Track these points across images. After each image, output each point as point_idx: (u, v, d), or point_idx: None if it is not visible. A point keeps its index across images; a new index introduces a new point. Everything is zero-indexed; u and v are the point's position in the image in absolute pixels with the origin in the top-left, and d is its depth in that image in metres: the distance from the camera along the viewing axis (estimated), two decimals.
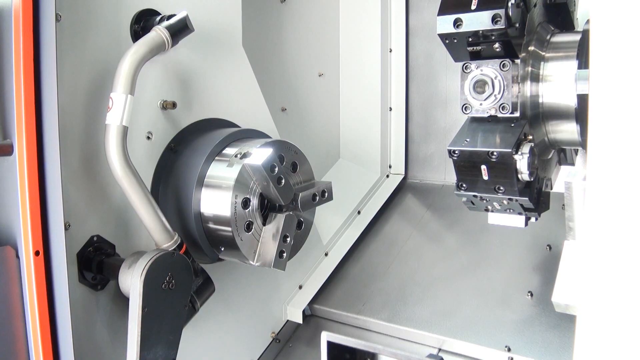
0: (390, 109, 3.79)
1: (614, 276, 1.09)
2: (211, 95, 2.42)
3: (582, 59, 1.82)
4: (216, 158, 2.18)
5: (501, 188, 1.87)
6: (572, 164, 2.38)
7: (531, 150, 1.79)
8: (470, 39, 1.82)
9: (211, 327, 2.46)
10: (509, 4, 1.70)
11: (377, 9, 3.61)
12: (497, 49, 1.80)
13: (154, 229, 1.93)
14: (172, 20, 2.04)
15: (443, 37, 1.85)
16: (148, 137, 2.14)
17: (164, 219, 1.95)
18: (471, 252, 3.03)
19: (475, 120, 1.95)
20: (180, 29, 2.06)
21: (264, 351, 2.80)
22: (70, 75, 1.87)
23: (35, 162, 1.67)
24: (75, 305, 1.84)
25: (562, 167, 2.41)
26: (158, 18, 2.08)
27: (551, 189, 2.19)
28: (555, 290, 1.68)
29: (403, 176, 3.83)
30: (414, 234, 3.33)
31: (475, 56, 1.87)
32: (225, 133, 2.27)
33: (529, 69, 1.89)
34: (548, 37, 1.98)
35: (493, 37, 1.79)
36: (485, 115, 1.88)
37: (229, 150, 2.20)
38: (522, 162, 1.78)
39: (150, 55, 1.97)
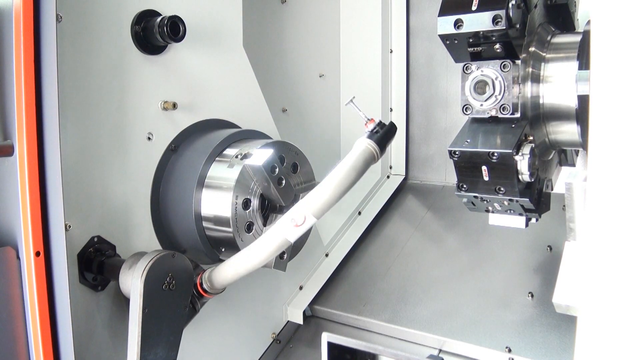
0: (391, 109, 3.79)
1: (615, 277, 1.09)
2: (212, 95, 2.42)
3: (583, 60, 1.81)
4: (217, 159, 2.18)
5: (502, 189, 1.87)
6: (573, 164, 2.38)
7: (532, 151, 1.79)
8: (470, 40, 1.82)
9: (212, 328, 2.46)
10: (510, 5, 1.70)
11: (377, 9, 3.61)
12: (498, 50, 1.80)
13: (222, 284, 1.95)
14: (380, 133, 1.86)
15: (444, 38, 1.85)
16: (149, 138, 2.15)
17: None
18: (472, 252, 3.03)
19: (475, 121, 1.95)
20: (388, 140, 1.88)
21: (265, 352, 2.80)
22: (71, 76, 1.87)
23: (35, 163, 1.67)
24: (76, 306, 1.84)
25: (563, 168, 2.41)
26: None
27: (552, 189, 2.18)
28: (556, 291, 1.67)
29: (404, 177, 3.83)
30: (415, 235, 3.33)
31: (476, 57, 1.87)
32: (226, 134, 2.27)
33: (530, 69, 1.89)
34: (549, 38, 1.98)
35: (494, 38, 1.78)
36: (486, 116, 1.88)
37: (230, 151, 2.20)
38: (522, 163, 1.78)
39: (361, 176, 1.78)
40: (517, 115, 1.84)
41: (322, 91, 3.65)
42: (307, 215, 1.71)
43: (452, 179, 3.54)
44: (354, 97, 1.89)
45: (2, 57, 1.70)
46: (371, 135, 1.84)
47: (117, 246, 2.05)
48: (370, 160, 1.81)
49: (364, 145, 1.82)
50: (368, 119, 1.89)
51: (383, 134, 1.85)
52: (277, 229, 1.76)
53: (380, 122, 1.88)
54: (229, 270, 1.90)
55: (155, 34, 2.06)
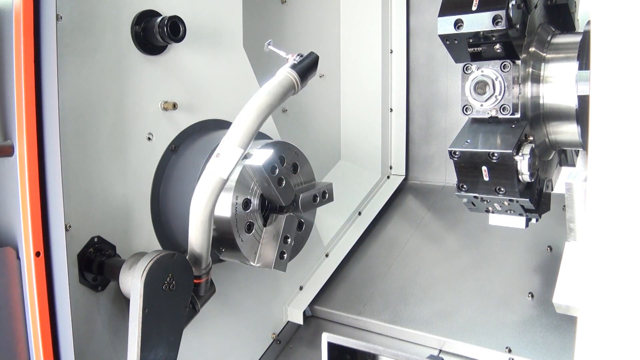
0: (391, 110, 3.79)
1: (615, 277, 1.09)
2: (212, 96, 2.42)
3: (583, 60, 1.81)
4: None
5: (502, 189, 1.87)
6: (573, 165, 2.38)
7: (532, 151, 1.79)
8: (471, 40, 1.82)
9: (212, 328, 2.46)
10: (510, 5, 1.70)
11: (377, 10, 3.61)
12: (498, 50, 1.80)
13: (196, 259, 1.89)
14: (302, 62, 1.88)
15: (444, 38, 1.85)
16: (149, 138, 2.15)
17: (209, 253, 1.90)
18: (472, 253, 3.03)
19: (476, 121, 1.95)
20: (309, 70, 1.89)
21: (265, 352, 2.80)
22: (71, 76, 1.87)
23: (35, 163, 1.68)
24: (76, 306, 1.84)
25: (563, 168, 2.41)
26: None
27: (552, 190, 2.18)
28: (556, 291, 1.68)
29: (404, 177, 3.83)
30: (415, 235, 3.33)
31: (476, 57, 1.87)
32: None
33: (530, 70, 1.89)
34: (549, 38, 1.98)
35: (494, 38, 1.79)
36: (486, 116, 1.88)
37: None
38: (522, 163, 1.78)
39: (280, 103, 1.77)
40: (517, 115, 1.84)
41: (322, 91, 3.64)
42: (231, 149, 1.72)
43: (452, 179, 3.54)
44: (270, 41, 1.91)
45: (2, 57, 1.70)
46: (293, 65, 1.85)
47: (117, 246, 2.05)
48: (289, 88, 1.81)
49: (284, 73, 1.82)
50: (290, 55, 1.89)
51: (304, 64, 1.85)
52: (208, 173, 1.74)
53: (302, 55, 1.89)
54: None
55: (155, 34, 2.06)
